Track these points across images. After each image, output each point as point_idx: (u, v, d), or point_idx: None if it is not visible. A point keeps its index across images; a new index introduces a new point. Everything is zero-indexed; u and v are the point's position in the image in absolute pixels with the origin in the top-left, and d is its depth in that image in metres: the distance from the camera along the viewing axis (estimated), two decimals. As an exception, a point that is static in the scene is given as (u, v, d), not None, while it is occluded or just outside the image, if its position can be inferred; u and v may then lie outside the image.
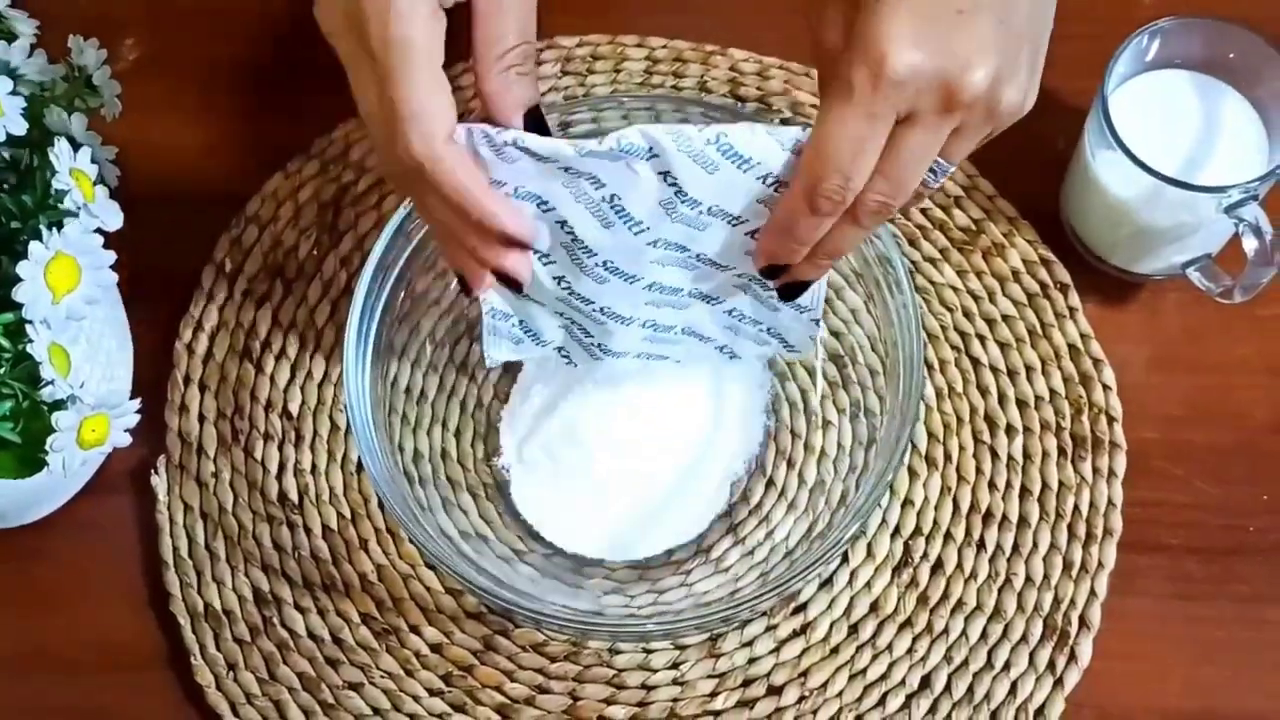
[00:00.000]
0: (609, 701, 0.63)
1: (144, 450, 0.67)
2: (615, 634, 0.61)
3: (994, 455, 0.66)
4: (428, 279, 0.65)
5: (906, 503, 0.65)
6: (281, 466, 0.67)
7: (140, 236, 0.69)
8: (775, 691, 0.63)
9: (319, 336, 0.69)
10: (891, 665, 0.63)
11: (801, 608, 0.64)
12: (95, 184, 0.56)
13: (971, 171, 0.71)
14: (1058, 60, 0.71)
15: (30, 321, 0.53)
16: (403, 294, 0.64)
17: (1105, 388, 0.67)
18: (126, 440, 0.59)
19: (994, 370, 0.67)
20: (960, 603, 0.63)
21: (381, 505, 0.66)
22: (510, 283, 0.55)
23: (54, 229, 0.53)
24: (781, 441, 0.66)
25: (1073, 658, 0.62)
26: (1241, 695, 0.63)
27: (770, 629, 0.64)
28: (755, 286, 0.58)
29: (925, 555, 0.64)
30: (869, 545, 0.65)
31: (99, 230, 0.55)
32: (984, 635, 0.63)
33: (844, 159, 0.48)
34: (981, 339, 0.68)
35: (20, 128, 0.55)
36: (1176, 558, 0.65)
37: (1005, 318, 0.68)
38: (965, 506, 0.65)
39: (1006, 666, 0.63)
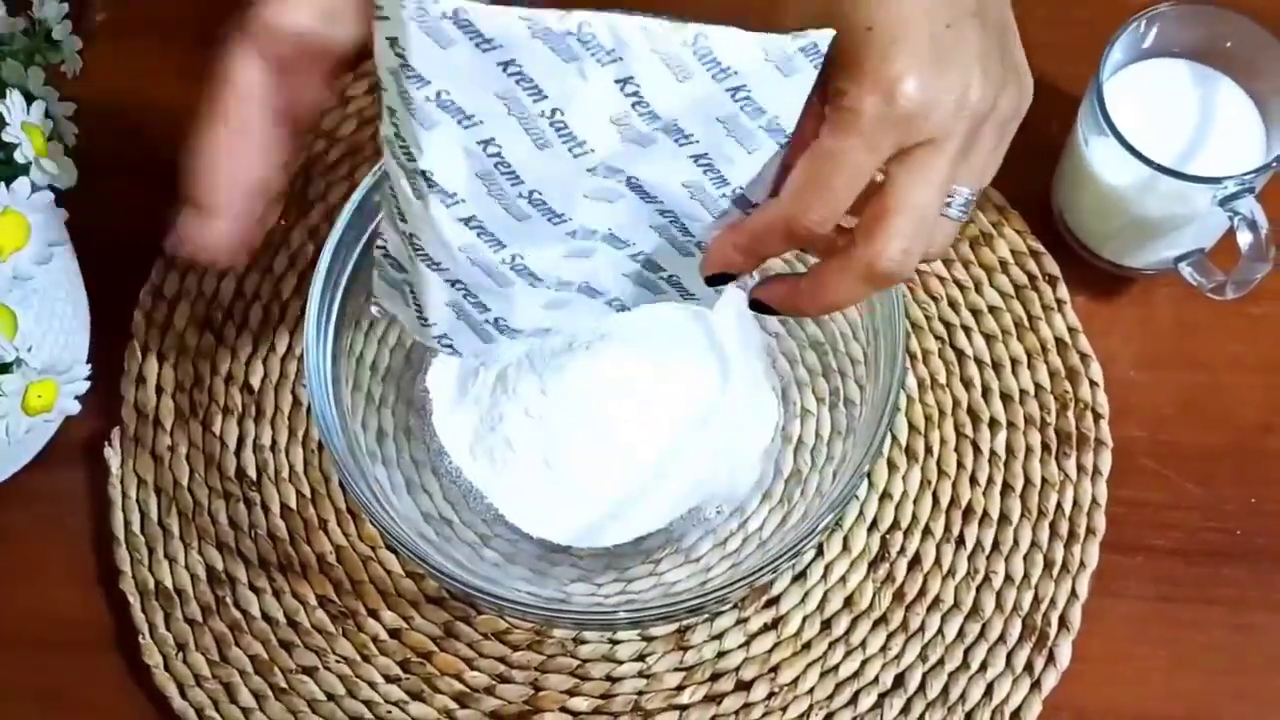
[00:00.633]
0: (572, 692, 0.61)
1: (99, 422, 0.66)
2: (581, 622, 0.59)
3: (976, 449, 0.64)
4: (398, 253, 0.64)
5: (885, 496, 0.64)
6: (240, 442, 0.65)
7: (103, 201, 0.68)
8: (744, 687, 0.61)
9: (284, 309, 0.67)
10: (864, 663, 0.61)
11: (774, 601, 0.62)
12: (49, 140, 0.54)
13: (961, 158, 0.69)
14: (1052, 46, 0.70)
15: (-26, 280, 0.51)
16: (368, 269, 0.61)
17: (1092, 383, 0.65)
18: (75, 408, 0.57)
19: (978, 362, 0.66)
20: (937, 600, 0.62)
21: (343, 485, 0.63)
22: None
23: (2, 184, 0.51)
24: (758, 430, 0.65)
25: (1051, 659, 0.61)
26: (1223, 701, 0.61)
27: (741, 622, 0.62)
28: (674, 229, 0.51)
29: (903, 550, 0.63)
30: (845, 539, 0.63)
31: (51, 188, 0.53)
32: (961, 634, 0.62)
33: (839, 190, 0.45)
34: (966, 330, 0.66)
35: (-27, 79, 0.53)
36: (1160, 559, 0.63)
37: (991, 309, 0.67)
38: (945, 501, 0.64)
39: (983, 667, 0.61)
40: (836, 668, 0.61)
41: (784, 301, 0.51)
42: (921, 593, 0.62)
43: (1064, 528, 0.63)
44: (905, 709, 0.61)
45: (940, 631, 0.62)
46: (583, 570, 0.62)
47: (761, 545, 0.61)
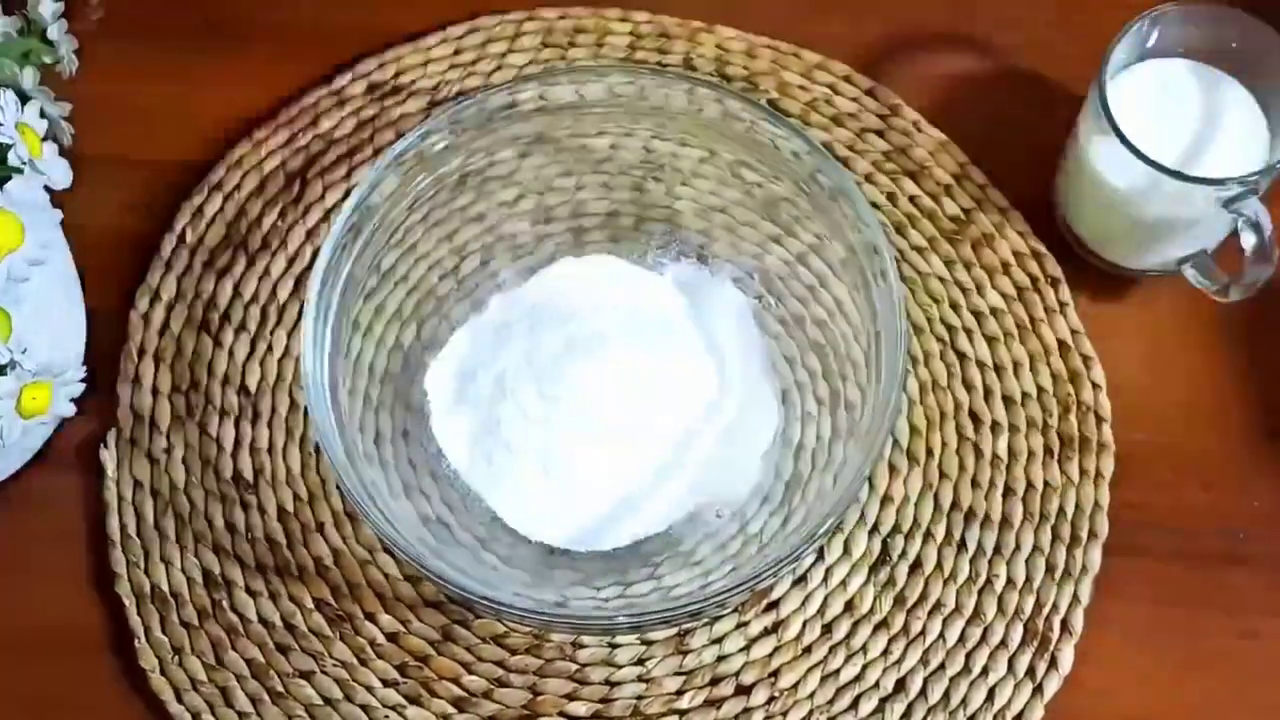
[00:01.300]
0: (570, 697, 0.61)
1: (94, 424, 0.65)
2: (580, 627, 0.59)
3: (978, 452, 0.64)
4: (395, 255, 0.63)
5: (886, 499, 0.63)
6: (237, 444, 0.65)
7: (99, 202, 0.68)
8: (744, 691, 0.61)
9: (281, 311, 0.67)
10: (865, 667, 0.61)
11: (774, 605, 0.62)
12: (44, 140, 0.53)
13: (962, 159, 0.69)
14: (1056, 46, 0.71)
15: (-32, 281, 0.50)
16: (367, 268, 0.61)
17: (1095, 386, 0.65)
18: (70, 410, 0.56)
19: (980, 365, 0.65)
20: (939, 604, 0.62)
21: (339, 488, 0.63)
22: None
23: (-3, 184, 0.51)
24: (758, 432, 0.64)
25: (1053, 664, 0.61)
26: (1226, 707, 0.61)
27: (741, 626, 0.62)
28: None
29: (904, 554, 0.62)
30: (846, 542, 0.63)
31: (46, 189, 0.53)
32: (962, 638, 0.61)
33: None
34: (968, 332, 0.66)
35: (-33, 78, 0.53)
36: (1163, 564, 0.63)
37: (994, 311, 0.66)
38: (946, 504, 0.63)
39: (985, 672, 0.61)
40: (837, 672, 0.61)
41: None
42: (923, 597, 0.62)
43: (1066, 531, 0.62)
44: (906, 714, 0.60)
45: (941, 636, 0.61)
46: (582, 574, 0.62)
47: (762, 549, 0.61)
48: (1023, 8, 0.72)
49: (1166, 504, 0.64)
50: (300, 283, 0.67)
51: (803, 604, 0.62)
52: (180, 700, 0.61)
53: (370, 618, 0.62)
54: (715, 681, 0.61)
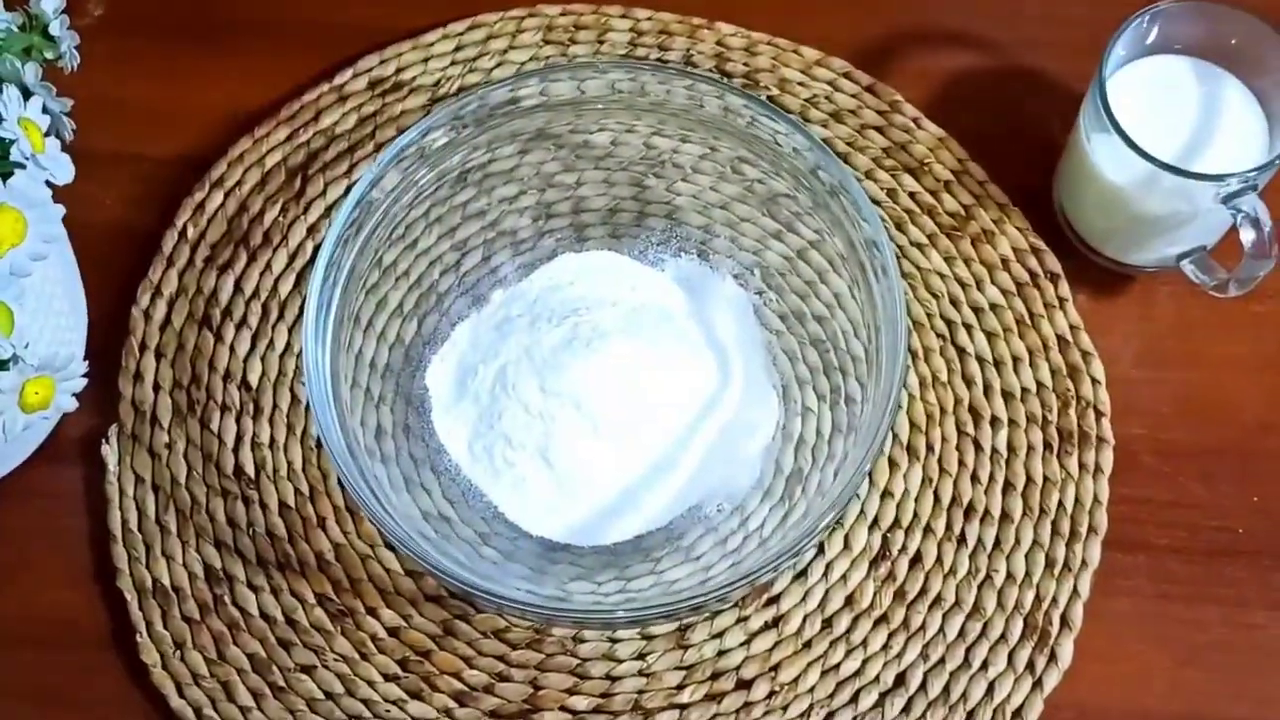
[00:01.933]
0: (571, 691, 0.61)
1: (96, 419, 0.65)
2: (581, 621, 0.59)
3: (978, 447, 0.64)
4: (396, 250, 0.64)
5: (886, 494, 0.63)
6: (238, 439, 0.65)
7: (100, 197, 0.68)
8: (744, 685, 0.61)
9: (282, 306, 0.67)
10: (865, 661, 0.61)
11: (774, 600, 0.62)
12: (46, 135, 0.53)
13: (962, 155, 0.69)
14: (1055, 42, 0.71)
15: (-29, 276, 0.50)
16: (368, 265, 0.62)
17: (1094, 381, 0.65)
18: (73, 405, 0.56)
19: (980, 360, 0.65)
20: (939, 598, 0.62)
21: (341, 483, 0.63)
22: None
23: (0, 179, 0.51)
24: (758, 427, 0.64)
25: (1053, 658, 0.61)
26: (1225, 700, 0.61)
27: (741, 621, 0.62)
28: None
29: (904, 549, 0.62)
30: (846, 537, 0.63)
31: (48, 184, 0.53)
32: (962, 633, 0.61)
33: None
34: (968, 327, 0.66)
35: (-31, 74, 0.53)
36: (1162, 558, 0.63)
37: (993, 306, 0.66)
38: (946, 499, 0.63)
39: (984, 666, 0.61)
40: (837, 666, 0.61)
41: None
42: (923, 591, 0.62)
43: (1065, 526, 0.62)
44: (906, 708, 0.60)
45: (941, 630, 0.61)
46: (582, 569, 0.62)
47: (762, 543, 0.61)
48: (1022, 3, 0.72)
49: (1165, 498, 0.64)
50: (301, 278, 0.67)
51: (803, 599, 0.62)
52: (182, 695, 0.61)
53: (371, 612, 0.62)
54: (716, 676, 0.61)
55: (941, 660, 0.61)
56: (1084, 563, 0.62)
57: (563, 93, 0.62)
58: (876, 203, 0.68)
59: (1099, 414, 0.64)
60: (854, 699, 0.61)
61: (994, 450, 0.64)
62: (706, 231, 0.67)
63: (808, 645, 0.61)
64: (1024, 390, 0.65)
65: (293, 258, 0.68)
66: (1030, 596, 0.62)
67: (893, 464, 0.64)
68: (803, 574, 0.62)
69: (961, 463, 0.64)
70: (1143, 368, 0.66)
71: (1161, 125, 0.61)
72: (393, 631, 0.62)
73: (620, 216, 0.67)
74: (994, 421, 0.64)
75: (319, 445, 0.64)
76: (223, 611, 0.62)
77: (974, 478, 0.64)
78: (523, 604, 0.55)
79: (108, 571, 0.63)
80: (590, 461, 0.62)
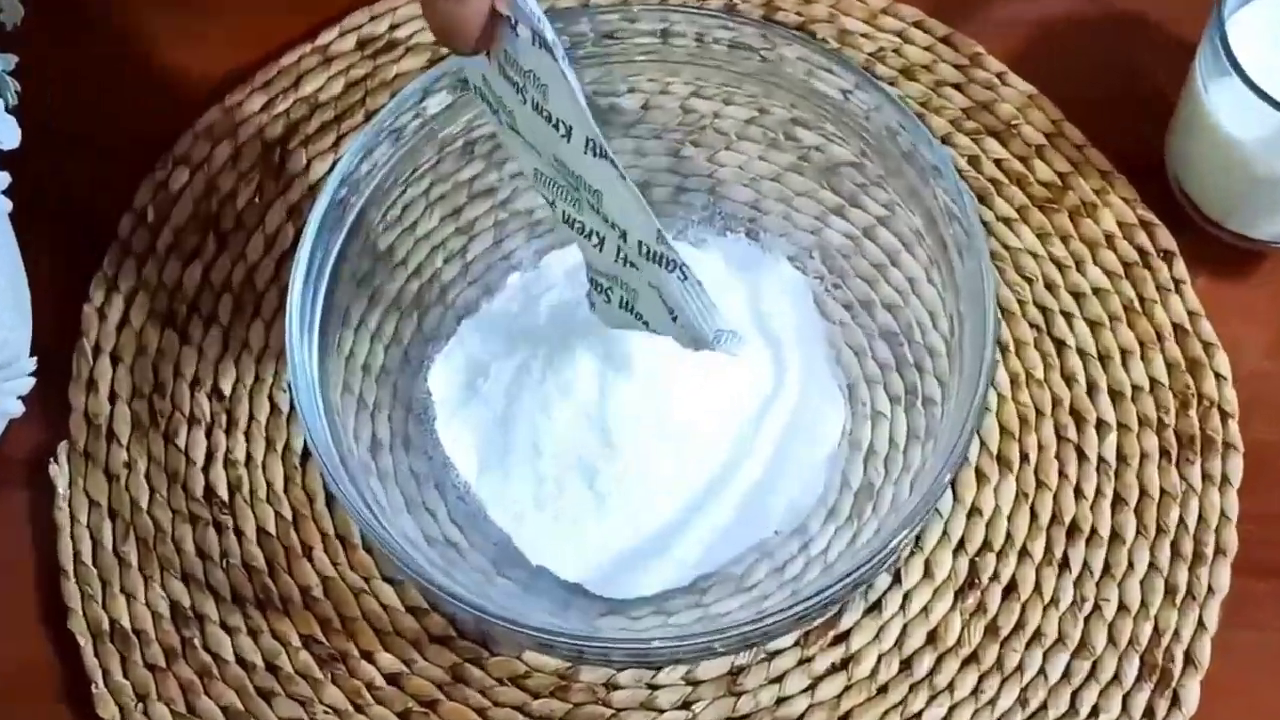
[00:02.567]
0: (604, 748, 0.61)
1: (43, 435, 0.66)
2: (611, 652, 0.58)
3: (1081, 456, 0.64)
4: (392, 235, 0.64)
5: (973, 512, 0.64)
6: (209, 456, 0.65)
7: (48, 177, 0.69)
8: (809, 739, 0.61)
9: (259, 301, 0.68)
10: (953, 709, 0.61)
11: (843, 637, 0.62)
12: (-14, 94, 0.54)
13: (1056, 116, 0.70)
14: (1163, -24, 0.71)
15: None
16: (360, 251, 0.62)
17: (1218, 377, 0.65)
18: (18, 409, 0.57)
19: (1082, 354, 0.66)
20: (1038, 634, 0.62)
21: (330, 504, 0.64)
22: None
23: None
24: (820, 436, 0.65)
25: (1175, 702, 0.61)
26: (1382, 752, 0.61)
27: (804, 662, 0.62)
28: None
29: (995, 576, 0.63)
30: (926, 562, 0.63)
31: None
32: (1067, 674, 0.61)
33: None
34: (1067, 316, 0.66)
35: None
36: (1303, 585, 0.63)
37: (1096, 291, 0.67)
38: (1045, 518, 0.63)
39: (1095, 712, 0.61)
40: (919, 715, 0.61)
41: None
42: (1019, 625, 0.62)
43: (1188, 547, 0.63)
44: (1002, 763, 0.61)
45: (1042, 671, 0.61)
46: (614, 604, 0.62)
47: (826, 570, 0.61)
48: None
49: (1306, 514, 0.64)
50: (281, 268, 0.68)
51: (877, 636, 0.62)
52: (145, 755, 0.61)
53: (367, 656, 0.62)
54: (774, 728, 0.61)
55: (1043, 707, 0.61)
56: (1210, 590, 0.62)
57: (585, 44, 0.62)
58: (957, 172, 0.68)
59: (1225, 415, 0.64)
60: (939, 753, 0.61)
61: (1101, 459, 0.64)
62: (755, 208, 0.67)
63: (883, 690, 0.61)
64: (1135, 389, 0.65)
65: (271, 244, 0.68)
66: (1147, 630, 0.62)
67: (980, 476, 0.64)
68: (876, 606, 0.62)
69: (1062, 474, 0.64)
70: (1276, 360, 0.66)
71: (1293, 70, 0.62)
72: (392, 679, 0.62)
73: (654, 192, 0.68)
74: (1100, 425, 0.64)
75: (303, 462, 0.65)
76: (192, 657, 0.62)
77: (1078, 492, 0.64)
78: (549, 633, 0.55)
79: (58, 611, 0.63)
80: (621, 481, 0.62)
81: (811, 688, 0.62)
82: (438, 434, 0.64)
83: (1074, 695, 0.61)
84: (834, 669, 0.62)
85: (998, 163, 0.69)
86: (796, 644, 0.62)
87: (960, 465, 0.60)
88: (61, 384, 0.66)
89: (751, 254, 0.67)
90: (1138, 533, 0.63)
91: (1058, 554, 0.63)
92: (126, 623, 0.63)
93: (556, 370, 0.62)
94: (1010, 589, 0.62)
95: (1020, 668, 0.61)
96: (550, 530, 0.63)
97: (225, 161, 0.70)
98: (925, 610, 0.62)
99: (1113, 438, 0.64)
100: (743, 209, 0.67)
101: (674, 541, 0.62)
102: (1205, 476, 0.64)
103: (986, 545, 0.63)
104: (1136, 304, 0.66)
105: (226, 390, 0.66)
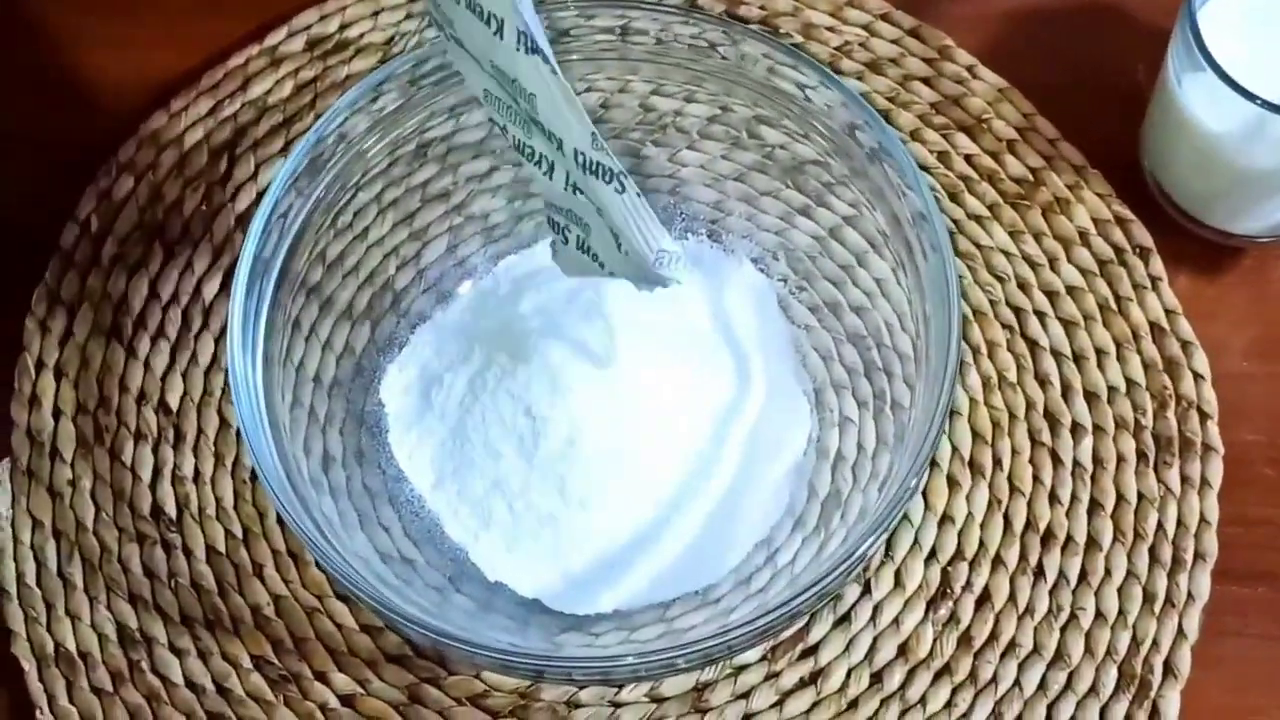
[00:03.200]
0: (566, 768, 0.61)
1: (-17, 453, 0.66)
2: (572, 671, 0.58)
3: (1056, 460, 0.64)
4: (343, 242, 0.64)
5: (945, 519, 0.64)
6: (157, 473, 0.65)
7: (-11, 186, 0.69)
8: (777, 756, 0.61)
9: (207, 313, 0.68)
10: (925, 724, 0.61)
11: (811, 650, 0.62)
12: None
13: (1028, 109, 0.70)
14: (1133, -34, 0.71)
15: None
16: (307, 259, 0.62)
17: (1197, 377, 0.65)
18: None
19: (1056, 355, 0.66)
20: (1013, 645, 0.62)
21: (281, 520, 0.64)
22: None
23: None
24: (787, 443, 0.65)
25: (1155, 713, 0.61)
26: (1368, 762, 0.61)
27: (771, 677, 0.62)
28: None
29: (968, 585, 0.63)
30: (897, 572, 0.63)
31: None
32: (1043, 686, 0.61)
33: None
34: (1041, 316, 0.66)
35: None
36: (1285, 591, 0.63)
37: (1071, 290, 0.67)
38: (1019, 525, 0.64)
39: (1071, 725, 0.61)
40: (891, 730, 0.61)
41: None
42: (993, 636, 0.62)
43: (1167, 553, 0.63)
44: (977, 779, 0.61)
45: (1017, 683, 0.61)
46: (574, 620, 0.62)
47: (793, 582, 0.61)
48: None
49: (1287, 518, 0.64)
50: (229, 278, 0.67)
51: (847, 648, 0.62)
52: (92, 783, 0.61)
53: (321, 677, 0.62)
54: (742, 745, 0.61)
55: (1019, 719, 0.61)
56: (1190, 597, 0.62)
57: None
58: (925, 169, 0.69)
59: (1204, 416, 0.65)
60: (912, 770, 0.61)
61: (1076, 463, 0.64)
62: (717, 208, 0.67)
63: (854, 705, 0.61)
64: (1111, 390, 0.65)
65: (218, 254, 0.68)
66: (1125, 640, 0.62)
67: (952, 483, 0.64)
68: (845, 618, 0.62)
69: (1037, 479, 0.64)
70: (1256, 360, 0.66)
71: (1265, 61, 0.62)
72: (346, 700, 0.62)
73: (614, 194, 0.68)
74: (1075, 428, 0.65)
75: (253, 478, 0.65)
76: (140, 681, 0.62)
77: (1052, 497, 0.64)
78: (506, 654, 0.55)
79: (1, 635, 0.63)
80: (583, 495, 0.62)
81: (780, 703, 0.62)
82: (391, 447, 0.64)
83: (1050, 707, 0.61)
84: (802, 683, 0.62)
85: (968, 158, 0.69)
86: (764, 658, 0.62)
87: (928, 470, 0.60)
88: (3, 400, 0.66)
89: (714, 256, 0.67)
90: (1115, 539, 0.63)
91: (1032, 562, 0.63)
92: (72, 646, 0.63)
93: (512, 380, 0.62)
94: (984, 598, 0.62)
95: (995, 680, 0.61)
96: (507, 545, 0.63)
97: (171, 168, 0.70)
98: (896, 621, 0.62)
99: (1088, 441, 0.64)
100: (705, 209, 0.67)
101: (635, 557, 0.63)
102: (1184, 479, 0.64)
103: (959, 554, 0.63)
104: (1112, 302, 0.66)
105: (174, 405, 0.66)
